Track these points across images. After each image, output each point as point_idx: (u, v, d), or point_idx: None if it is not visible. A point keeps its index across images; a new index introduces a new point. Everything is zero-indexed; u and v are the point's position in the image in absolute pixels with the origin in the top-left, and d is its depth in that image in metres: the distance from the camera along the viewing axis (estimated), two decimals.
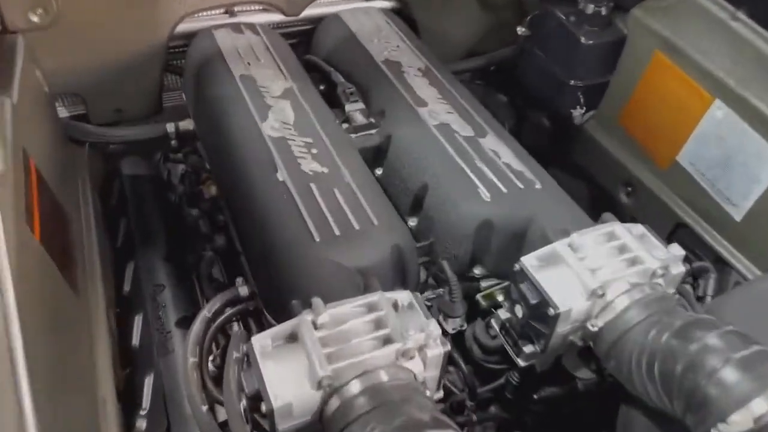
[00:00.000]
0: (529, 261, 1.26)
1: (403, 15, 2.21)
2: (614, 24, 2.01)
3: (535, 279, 1.23)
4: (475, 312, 1.47)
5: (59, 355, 1.17)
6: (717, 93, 1.69)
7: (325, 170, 1.43)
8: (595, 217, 1.66)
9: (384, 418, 0.98)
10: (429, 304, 1.43)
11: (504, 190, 1.42)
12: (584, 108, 2.08)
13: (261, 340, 1.10)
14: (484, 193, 1.41)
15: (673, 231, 1.88)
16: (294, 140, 1.50)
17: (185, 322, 1.55)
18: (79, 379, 1.23)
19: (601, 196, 2.14)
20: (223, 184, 1.64)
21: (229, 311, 1.41)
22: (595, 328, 1.22)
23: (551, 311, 1.19)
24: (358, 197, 1.37)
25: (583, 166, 2.18)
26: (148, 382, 1.46)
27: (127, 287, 1.70)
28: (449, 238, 1.42)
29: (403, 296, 1.19)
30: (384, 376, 1.07)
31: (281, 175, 1.41)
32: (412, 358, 1.10)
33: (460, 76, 2.36)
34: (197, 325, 1.36)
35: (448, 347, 1.12)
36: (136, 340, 1.56)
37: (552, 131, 2.26)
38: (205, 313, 1.38)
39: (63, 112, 1.99)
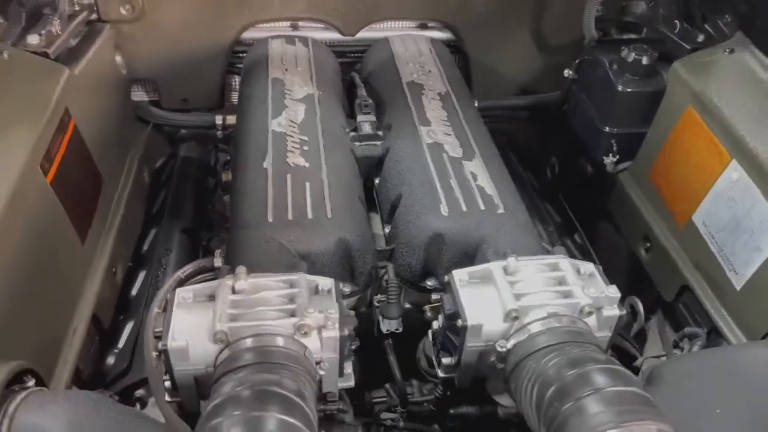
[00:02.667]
0: (459, 274, 1.30)
1: (458, 48, 2.30)
2: (660, 75, 1.96)
3: (456, 290, 1.27)
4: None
5: (41, 280, 1.39)
6: (735, 153, 1.61)
7: (307, 165, 1.56)
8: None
9: (253, 373, 1.07)
10: (378, 304, 1.49)
11: (464, 208, 1.46)
12: (616, 156, 2.03)
13: (183, 293, 1.24)
14: (444, 209, 1.46)
15: (679, 293, 1.78)
16: (293, 137, 1.65)
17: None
18: (55, 306, 1.44)
19: (626, 249, 2.06)
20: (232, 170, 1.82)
21: (199, 277, 1.57)
22: (503, 349, 1.22)
23: (459, 322, 1.22)
24: (324, 192, 1.48)
25: (614, 217, 2.12)
26: (128, 327, 1.65)
27: (145, 247, 1.93)
28: (406, 246, 1.48)
29: (325, 282, 1.27)
30: (277, 341, 1.16)
31: (266, 163, 1.56)
32: (306, 333, 1.18)
33: (515, 114, 2.43)
34: (168, 283, 1.53)
35: (345, 332, 1.19)
36: (134, 292, 1.77)
37: (590, 178, 2.22)
38: (179, 273, 1.55)
39: (143, 96, 2.31)
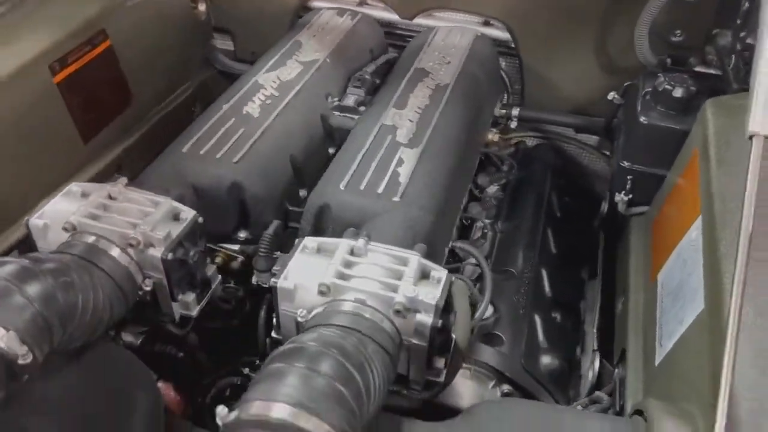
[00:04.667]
0: (309, 241, 1.29)
1: (515, 52, 2.19)
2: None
3: (294, 252, 1.27)
4: None
5: (25, 153, 1.66)
6: (704, 209, 1.34)
7: (256, 116, 1.65)
8: None
9: (54, 261, 1.19)
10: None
11: (362, 187, 1.43)
12: (629, 195, 1.79)
13: (76, 186, 1.40)
14: (344, 183, 1.45)
15: (621, 357, 1.54)
16: (266, 90, 1.74)
17: None
18: (27, 184, 1.70)
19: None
20: None
21: None
22: (302, 319, 1.20)
23: (272, 281, 1.22)
24: (248, 141, 1.55)
25: (619, 262, 1.87)
26: None
27: None
28: (306, 211, 1.49)
29: (187, 213, 1.35)
30: (105, 246, 1.27)
31: (225, 105, 1.68)
32: (132, 246, 1.27)
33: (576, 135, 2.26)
34: None
35: (169, 256, 1.26)
36: None
37: (612, 217, 1.98)
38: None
39: (229, 46, 2.57)
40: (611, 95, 1.95)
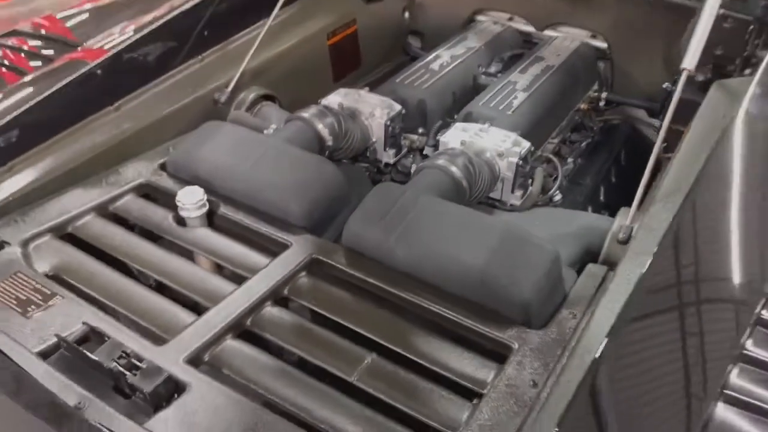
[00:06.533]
0: (458, 124, 2.47)
1: (609, 56, 3.25)
2: None
3: (450, 129, 2.45)
4: None
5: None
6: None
7: (436, 69, 2.88)
8: None
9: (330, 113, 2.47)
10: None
11: (491, 105, 2.60)
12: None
13: (341, 89, 2.70)
14: (481, 103, 2.62)
15: None
16: (443, 59, 2.98)
17: None
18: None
19: None
20: None
21: None
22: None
23: (438, 137, 2.42)
24: (431, 80, 2.79)
25: None
26: None
27: None
28: (457, 117, 2.67)
29: (396, 107, 2.59)
30: (357, 114, 2.53)
31: (420, 63, 2.93)
32: (368, 117, 2.53)
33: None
34: None
35: (389, 123, 2.50)
36: None
37: None
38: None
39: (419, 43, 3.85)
40: (665, 85, 2.94)
